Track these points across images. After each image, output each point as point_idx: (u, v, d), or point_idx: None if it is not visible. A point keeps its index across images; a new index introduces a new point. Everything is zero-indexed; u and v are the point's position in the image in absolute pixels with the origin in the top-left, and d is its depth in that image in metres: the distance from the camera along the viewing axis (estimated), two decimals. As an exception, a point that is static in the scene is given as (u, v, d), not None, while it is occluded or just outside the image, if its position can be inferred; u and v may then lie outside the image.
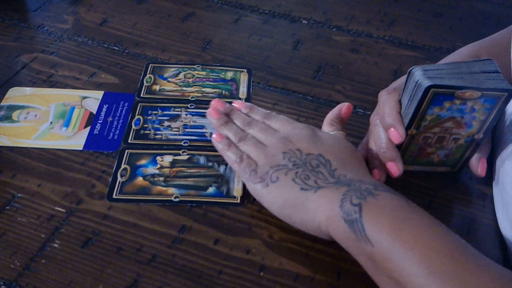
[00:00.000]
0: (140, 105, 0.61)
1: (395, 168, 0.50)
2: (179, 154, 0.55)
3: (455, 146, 0.51)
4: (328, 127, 0.53)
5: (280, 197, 0.46)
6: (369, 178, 0.46)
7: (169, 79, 0.65)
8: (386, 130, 0.50)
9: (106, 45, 0.70)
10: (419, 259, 0.37)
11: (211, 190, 0.52)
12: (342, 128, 0.53)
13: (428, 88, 0.45)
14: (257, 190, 0.47)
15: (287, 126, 0.52)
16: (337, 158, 0.47)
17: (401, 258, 0.38)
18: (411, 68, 0.48)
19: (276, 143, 0.49)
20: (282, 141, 0.49)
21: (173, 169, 0.54)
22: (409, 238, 0.38)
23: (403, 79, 0.51)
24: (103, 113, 0.60)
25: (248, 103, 0.57)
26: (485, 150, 0.52)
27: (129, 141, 0.56)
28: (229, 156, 0.51)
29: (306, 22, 0.76)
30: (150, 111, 0.60)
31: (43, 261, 0.46)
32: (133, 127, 0.58)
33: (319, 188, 0.44)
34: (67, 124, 0.58)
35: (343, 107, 0.53)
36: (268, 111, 0.55)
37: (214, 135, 0.53)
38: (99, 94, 0.62)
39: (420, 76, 0.46)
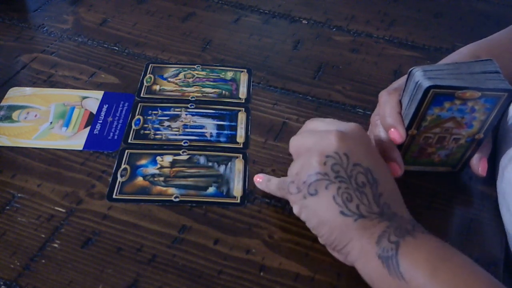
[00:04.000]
0: (140, 105, 0.61)
1: (396, 168, 0.50)
2: (179, 154, 0.55)
3: (455, 146, 0.51)
4: None
5: (315, 216, 0.43)
6: (408, 213, 0.44)
7: (169, 79, 0.65)
8: (386, 130, 0.50)
9: (106, 45, 0.70)
10: None
11: (211, 190, 0.52)
12: None
13: (428, 89, 0.45)
14: (297, 202, 0.44)
15: (333, 124, 0.46)
16: (384, 179, 0.44)
17: None
18: (411, 69, 0.48)
19: (329, 138, 0.43)
20: (336, 135, 0.43)
21: (173, 169, 0.54)
22: (448, 277, 0.37)
23: (403, 79, 0.51)
24: (103, 113, 0.60)
25: None
26: (486, 150, 0.52)
27: (129, 141, 0.56)
28: (273, 183, 0.49)
29: (306, 22, 0.76)
30: (150, 111, 0.60)
31: (43, 261, 0.45)
32: (133, 127, 0.58)
33: (360, 217, 0.41)
34: (67, 124, 0.58)
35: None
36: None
37: (256, 178, 0.51)
38: (99, 94, 0.62)
39: (420, 76, 0.46)
